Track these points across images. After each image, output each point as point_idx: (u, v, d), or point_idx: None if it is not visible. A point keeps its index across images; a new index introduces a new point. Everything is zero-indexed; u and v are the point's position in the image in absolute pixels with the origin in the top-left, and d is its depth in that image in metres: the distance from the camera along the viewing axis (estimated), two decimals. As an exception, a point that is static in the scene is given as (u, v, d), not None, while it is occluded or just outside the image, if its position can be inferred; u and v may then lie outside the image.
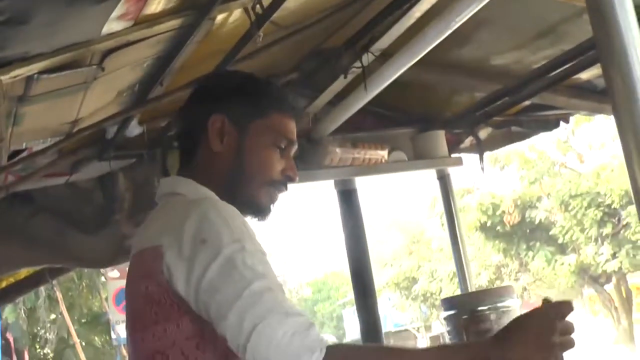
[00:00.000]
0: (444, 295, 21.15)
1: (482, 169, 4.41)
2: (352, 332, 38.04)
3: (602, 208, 22.00)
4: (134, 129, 3.47)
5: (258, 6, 2.52)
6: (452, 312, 3.54)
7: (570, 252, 23.95)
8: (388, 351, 2.03)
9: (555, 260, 24.10)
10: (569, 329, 1.86)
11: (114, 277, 15.25)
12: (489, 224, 24.81)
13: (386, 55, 3.33)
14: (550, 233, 23.82)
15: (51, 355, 17.81)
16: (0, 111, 2.28)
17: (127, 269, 2.17)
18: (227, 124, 2.14)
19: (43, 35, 2.04)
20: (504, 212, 23.57)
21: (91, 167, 3.66)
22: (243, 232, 1.95)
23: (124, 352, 16.22)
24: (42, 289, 14.70)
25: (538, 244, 24.58)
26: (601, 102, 3.99)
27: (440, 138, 4.18)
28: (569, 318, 1.87)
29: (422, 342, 34.44)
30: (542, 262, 24.22)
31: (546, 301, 1.89)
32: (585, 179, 22.63)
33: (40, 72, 2.24)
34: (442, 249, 31.15)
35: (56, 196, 3.79)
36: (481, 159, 4.41)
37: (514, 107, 4.16)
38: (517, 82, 3.89)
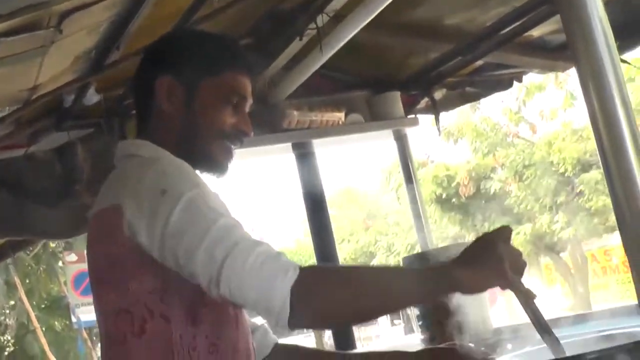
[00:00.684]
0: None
1: (438, 129, 4.47)
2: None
3: (555, 177, 22.29)
4: (92, 97, 3.46)
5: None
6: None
7: (525, 222, 24.22)
8: (360, 271, 2.10)
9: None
10: (516, 253, 1.89)
11: (72, 261, 15.18)
12: (444, 196, 25.00)
13: (340, 17, 3.34)
14: (506, 203, 24.06)
15: (12, 341, 17.73)
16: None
17: (87, 237, 2.15)
18: (175, 84, 2.14)
19: (-3, -2, 2.04)
20: (458, 184, 23.73)
21: (49, 138, 3.65)
22: (199, 181, 1.97)
23: (85, 335, 16.16)
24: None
25: (494, 214, 24.81)
26: (554, 59, 4.06)
27: (395, 99, 4.24)
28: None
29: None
30: (498, 232, 24.57)
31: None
32: (538, 148, 22.86)
33: (-2, 36, 2.24)
34: (398, 223, 31.37)
35: (15, 168, 3.77)
36: (437, 119, 4.47)
37: (467, 67, 4.22)
38: (469, 42, 3.94)
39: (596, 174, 20.95)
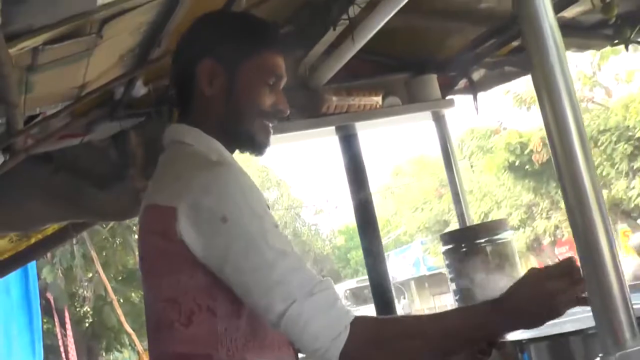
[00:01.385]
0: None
1: (476, 109, 4.59)
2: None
3: (631, 142, 21.95)
4: (140, 89, 3.68)
5: (241, -32, 2.73)
6: (450, 246, 3.75)
7: (601, 188, 24.00)
8: (410, 322, 2.15)
9: (587, 197, 24.18)
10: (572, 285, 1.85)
11: (147, 234, 15.43)
12: (517, 163, 24.85)
13: (372, 5, 3.49)
14: (580, 169, 23.87)
15: (90, 312, 18.21)
16: (12, 80, 2.47)
17: (139, 220, 2.29)
18: (215, 67, 2.24)
19: (44, 10, 2.21)
20: (532, 150, 23.53)
21: (103, 127, 3.87)
22: (260, 206, 2.06)
23: (160, 306, 16.51)
24: (76, 248, 15.05)
25: (569, 181, 24.64)
26: (588, 39, 4.15)
27: (432, 81, 4.37)
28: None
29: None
30: (574, 199, 24.28)
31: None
32: (614, 113, 22.52)
33: (45, 43, 2.41)
34: (471, 190, 31.27)
35: (73, 155, 4.00)
36: (475, 99, 4.59)
37: (503, 47, 4.32)
38: (504, 23, 4.05)
39: (675, 136, 20.63)
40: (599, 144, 22.46)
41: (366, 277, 4.53)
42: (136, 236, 14.12)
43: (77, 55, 2.75)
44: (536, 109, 22.62)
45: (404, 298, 36.53)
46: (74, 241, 13.55)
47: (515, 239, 3.87)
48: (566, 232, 27.60)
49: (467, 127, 28.13)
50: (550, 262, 2.06)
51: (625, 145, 21.87)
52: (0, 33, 2.08)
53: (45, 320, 14.13)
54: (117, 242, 17.38)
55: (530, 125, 25.21)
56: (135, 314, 17.90)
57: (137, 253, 13.79)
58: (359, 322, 1.96)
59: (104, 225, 14.83)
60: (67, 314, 15.08)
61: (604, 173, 22.85)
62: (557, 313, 1.87)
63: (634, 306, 2.35)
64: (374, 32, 3.56)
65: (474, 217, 22.90)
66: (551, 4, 1.69)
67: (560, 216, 26.28)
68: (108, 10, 2.46)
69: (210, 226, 2.01)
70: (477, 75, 4.57)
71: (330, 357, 1.92)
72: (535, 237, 28.35)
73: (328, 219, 54.50)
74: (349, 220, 44.71)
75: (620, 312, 1.55)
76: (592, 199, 1.59)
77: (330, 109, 4.11)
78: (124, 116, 3.88)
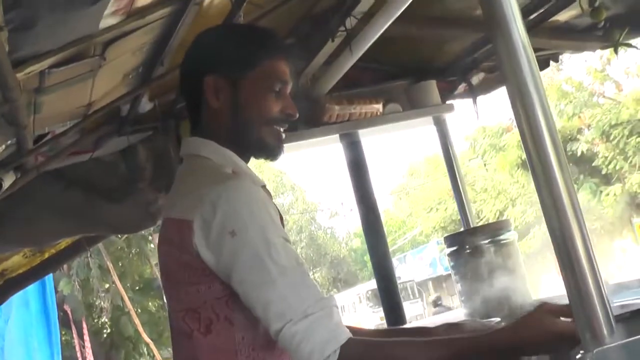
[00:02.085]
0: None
1: (476, 113, 4.66)
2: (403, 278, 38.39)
3: (644, 134, 21.93)
4: (146, 105, 3.78)
5: (237, -11, 2.82)
6: (454, 247, 3.80)
7: (615, 182, 23.88)
8: (405, 345, 2.15)
9: (601, 192, 24.04)
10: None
11: (163, 243, 15.46)
12: (530, 160, 24.83)
13: (368, 17, 3.57)
14: (594, 164, 23.75)
15: (108, 323, 18.30)
16: (21, 103, 2.56)
17: (159, 232, 2.37)
18: (219, 81, 2.28)
19: (48, 36, 2.30)
20: (545, 147, 23.45)
21: (112, 142, 3.96)
22: (268, 220, 2.11)
23: (177, 314, 16.53)
24: (92, 260, 15.16)
25: (582, 176, 24.53)
26: (583, 41, 4.22)
27: (432, 87, 4.45)
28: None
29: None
30: (587, 194, 24.16)
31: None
32: (625, 106, 22.47)
33: (51, 67, 2.51)
34: (486, 189, 31.24)
35: (84, 171, 4.10)
36: (475, 103, 4.67)
37: (500, 52, 4.39)
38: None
39: (687, 129, 20.61)
40: (611, 138, 22.43)
41: None
42: (152, 245, 14.15)
43: (83, 76, 2.85)
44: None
45: (421, 299, 36.54)
46: (89, 253, 13.65)
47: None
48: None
49: (479, 126, 28.09)
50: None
51: (638, 139, 21.82)
52: (8, 59, 2.16)
53: (63, 332, 14.21)
54: (133, 252, 17.48)
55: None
56: (153, 323, 17.96)
57: (153, 263, 13.83)
58: (349, 346, 2.01)
59: (120, 236, 14.93)
60: (84, 326, 15.17)
61: (617, 167, 22.83)
62: (558, 350, 1.92)
63: (617, 304, 2.44)
64: (371, 42, 3.64)
65: (489, 215, 22.80)
66: (523, 23, 1.78)
67: (574, 211, 26.23)
68: (110, 33, 2.56)
69: (220, 240, 2.07)
70: (476, 79, 4.64)
71: None
72: (551, 234, 28.24)
73: (343, 222, 54.44)
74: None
75: (598, 310, 1.62)
76: (567, 200, 1.67)
77: (333, 117, 4.20)
78: (131, 131, 3.97)
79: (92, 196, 4.20)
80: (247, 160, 2.37)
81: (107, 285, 16.61)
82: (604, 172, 23.62)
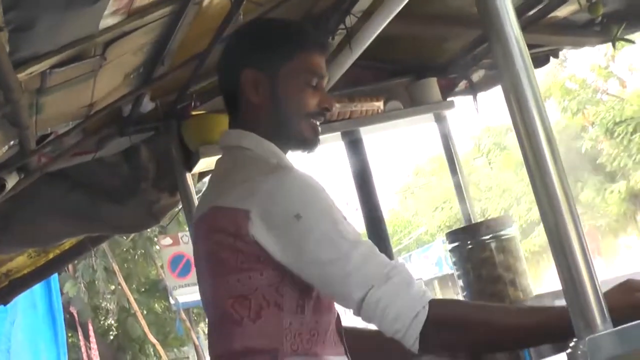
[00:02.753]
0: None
1: (477, 109, 4.68)
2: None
3: (648, 132, 21.92)
4: (147, 105, 3.80)
5: (236, -12, 2.84)
6: (456, 244, 3.83)
7: (619, 179, 23.89)
8: (493, 308, 2.29)
9: (605, 189, 24.08)
10: None
11: (168, 245, 15.51)
12: (535, 158, 24.80)
13: (368, 14, 3.59)
14: (598, 162, 23.77)
15: (115, 325, 18.36)
16: (22, 104, 2.57)
17: (200, 219, 2.37)
18: (257, 75, 2.35)
19: (48, 36, 2.31)
20: (549, 144, 23.41)
21: (114, 143, 3.98)
22: (328, 201, 2.19)
23: (183, 316, 16.61)
24: (98, 262, 15.20)
25: (586, 174, 24.56)
26: (583, 36, 4.23)
27: (432, 84, 4.46)
28: None
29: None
30: (591, 191, 24.21)
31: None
32: (629, 103, 22.49)
33: (52, 67, 2.51)
34: (491, 188, 31.27)
35: (87, 171, 4.12)
36: (475, 100, 4.69)
37: (501, 48, 4.40)
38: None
39: (691, 125, 20.60)
40: (615, 135, 22.45)
41: None
42: (157, 247, 14.17)
43: (84, 77, 2.86)
44: (552, 102, 22.60)
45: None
46: (94, 255, 13.70)
47: (519, 235, 3.94)
48: (587, 224, 27.55)
49: (484, 125, 28.14)
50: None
51: (642, 136, 21.84)
52: (9, 60, 2.19)
53: (69, 334, 14.27)
54: (139, 253, 17.52)
55: (545, 119, 25.16)
56: (159, 325, 18.03)
57: (159, 264, 13.87)
58: (436, 304, 2.08)
59: (125, 237, 14.98)
60: (91, 327, 15.22)
61: (622, 164, 22.85)
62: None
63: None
64: (371, 40, 3.66)
65: (494, 213, 22.94)
66: (518, 22, 1.80)
67: (580, 209, 26.20)
68: (110, 33, 2.58)
69: (285, 226, 2.14)
70: (476, 76, 4.66)
71: (410, 337, 2.04)
72: (555, 231, 28.26)
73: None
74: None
75: (591, 298, 1.65)
76: (561, 196, 1.69)
77: (334, 115, 4.22)
78: (134, 131, 3.98)
79: (95, 196, 4.23)
80: (285, 152, 2.43)
81: (112, 287, 16.68)
82: (608, 169, 23.63)
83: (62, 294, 12.84)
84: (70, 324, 14.72)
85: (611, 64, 23.03)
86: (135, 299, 16.04)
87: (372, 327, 2.16)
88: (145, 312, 17.51)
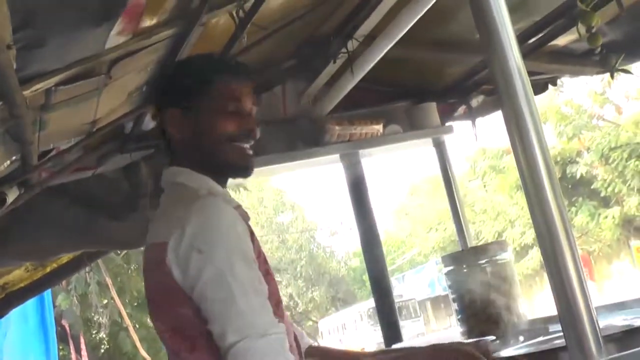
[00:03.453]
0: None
1: (475, 135, 4.72)
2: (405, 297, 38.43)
3: (643, 158, 21.96)
4: (149, 123, 3.82)
5: (241, 11, 2.88)
6: (451, 267, 3.85)
7: (613, 205, 23.91)
8: None
9: (599, 214, 24.09)
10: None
11: (161, 260, 15.43)
12: (529, 182, 24.79)
13: (369, 39, 3.65)
14: (592, 187, 23.80)
15: (106, 338, 18.28)
16: (26, 121, 2.60)
17: (143, 256, 2.48)
18: (178, 113, 2.44)
19: (56, 55, 2.34)
20: (544, 169, 23.41)
21: (115, 159, 4.00)
22: (235, 240, 2.22)
23: (176, 331, 16.49)
24: (91, 275, 15.16)
25: (581, 199, 24.58)
26: (582, 65, 4.29)
27: (432, 109, 4.52)
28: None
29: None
30: (586, 216, 24.22)
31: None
32: (624, 129, 22.53)
33: (57, 85, 2.54)
34: (485, 210, 31.27)
35: (87, 187, 4.14)
36: (473, 125, 4.73)
37: (502, 74, 4.44)
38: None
39: (685, 153, 20.65)
40: (610, 161, 22.49)
41: None
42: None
43: (88, 94, 2.89)
44: (548, 126, 22.63)
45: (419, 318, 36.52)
46: (88, 268, 13.67)
47: (514, 259, 3.96)
48: (580, 249, 27.54)
49: (479, 148, 28.16)
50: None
51: (637, 162, 21.90)
52: (15, 77, 2.21)
53: (61, 347, 14.20)
54: (132, 268, 17.46)
55: (541, 144, 25.18)
56: (151, 339, 17.90)
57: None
58: None
59: (119, 252, 14.94)
60: (82, 340, 15.15)
61: (616, 190, 22.88)
62: None
63: (611, 323, 2.49)
64: (373, 64, 3.71)
65: (488, 236, 22.88)
66: (519, 48, 1.83)
67: (574, 234, 26.25)
68: (116, 52, 2.61)
69: (187, 257, 2.18)
70: (475, 102, 4.71)
71: None
72: (549, 256, 28.26)
73: (343, 241, 54.50)
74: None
75: (587, 328, 1.68)
76: (559, 223, 1.73)
77: (334, 137, 4.26)
78: (134, 149, 4.01)
79: (94, 212, 4.25)
80: (223, 182, 2.49)
81: (105, 301, 16.61)
82: (602, 194, 23.67)
83: (54, 306, 12.80)
84: (62, 337, 14.64)
85: (607, 90, 23.10)
86: (127, 313, 15.94)
87: (340, 347, 2.22)
88: (137, 326, 17.43)
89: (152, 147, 4.08)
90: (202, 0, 2.62)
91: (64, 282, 14.92)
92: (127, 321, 15.39)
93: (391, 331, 4.39)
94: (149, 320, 18.96)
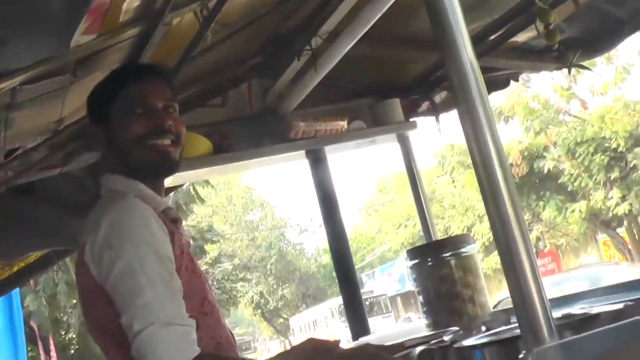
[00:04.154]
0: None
1: (439, 130, 4.78)
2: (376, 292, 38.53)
3: (608, 153, 22.11)
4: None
5: (205, 10, 2.91)
6: (416, 260, 3.88)
7: (580, 199, 24.07)
8: None
9: (566, 208, 24.24)
10: None
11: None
12: (497, 177, 24.91)
13: (333, 36, 3.67)
14: (559, 181, 23.93)
15: (76, 339, 18.22)
16: (-9, 119, 2.64)
17: None
18: (94, 128, 2.57)
19: (20, 54, 2.37)
20: (511, 164, 23.59)
21: (81, 158, 4.01)
22: (148, 236, 2.30)
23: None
24: (60, 276, 15.10)
25: (548, 193, 24.72)
26: (541, 61, 4.34)
27: (395, 105, 4.56)
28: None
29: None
30: (553, 211, 24.36)
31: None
32: (590, 124, 22.68)
33: (22, 84, 2.58)
34: (454, 206, 31.38)
35: (54, 185, 4.16)
36: (437, 120, 4.78)
37: (462, 71, 4.49)
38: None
39: (649, 147, 20.87)
40: (576, 155, 22.64)
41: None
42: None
43: (54, 93, 2.92)
44: (514, 123, 22.77)
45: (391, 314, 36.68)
46: (56, 268, 13.61)
47: (483, 254, 4.01)
48: (548, 243, 27.78)
49: (447, 143, 28.27)
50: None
51: (602, 156, 22.06)
52: (-21, 77, 2.23)
53: (29, 349, 14.13)
54: (101, 267, 17.37)
55: (508, 138, 25.36)
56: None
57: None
58: (206, 357, 2.22)
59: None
60: (51, 341, 15.11)
61: (582, 184, 23.04)
62: None
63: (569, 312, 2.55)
64: (336, 61, 3.74)
65: (458, 231, 22.97)
66: (473, 49, 1.89)
67: (542, 228, 26.43)
68: (81, 51, 2.63)
69: (101, 253, 2.26)
70: (438, 97, 4.75)
71: None
72: (517, 250, 28.44)
73: (312, 238, 54.58)
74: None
75: (539, 313, 1.74)
76: (513, 217, 1.78)
77: (299, 134, 4.30)
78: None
79: (61, 211, 4.26)
80: (155, 185, 2.57)
81: (74, 301, 16.55)
82: (569, 189, 23.82)
83: (22, 307, 12.74)
84: (31, 338, 14.59)
85: (573, 86, 23.25)
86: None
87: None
88: (106, 326, 17.33)
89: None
90: (165, 0, 2.65)
91: (32, 283, 14.84)
92: (96, 321, 15.32)
93: (359, 326, 4.42)
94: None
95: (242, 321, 68.77)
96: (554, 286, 12.42)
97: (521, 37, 4.11)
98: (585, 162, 22.48)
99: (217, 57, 3.82)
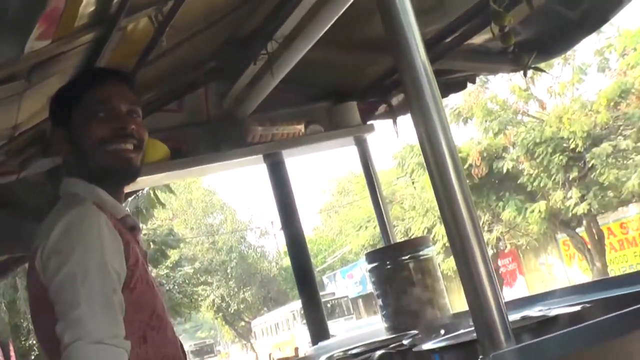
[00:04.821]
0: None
1: (397, 133, 4.80)
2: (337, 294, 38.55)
3: (566, 153, 22.23)
4: (71, 127, 3.83)
5: (160, 15, 2.91)
6: (375, 264, 3.89)
7: (539, 199, 24.17)
8: None
9: (526, 209, 24.31)
10: None
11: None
12: (457, 178, 24.99)
13: (289, 40, 3.68)
14: (519, 182, 24.01)
15: (37, 345, 18.06)
16: (-56, 126, 2.62)
17: None
18: (57, 132, 2.55)
19: (-29, 60, 2.39)
20: (470, 165, 23.66)
21: (38, 163, 3.98)
22: (97, 246, 2.25)
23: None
24: (19, 281, 14.96)
25: (507, 193, 24.79)
26: (497, 63, 4.37)
27: (352, 108, 4.59)
28: None
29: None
30: (513, 211, 24.42)
31: None
32: (548, 125, 22.79)
33: (-25, 90, 2.60)
34: (414, 207, 31.44)
35: (10, 191, 4.12)
36: (395, 123, 4.81)
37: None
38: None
39: (607, 147, 20.98)
40: (535, 155, 22.74)
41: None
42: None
43: (8, 99, 2.89)
44: (473, 124, 22.89)
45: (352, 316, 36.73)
46: (17, 274, 13.48)
47: (443, 255, 4.02)
48: (508, 244, 27.90)
49: (406, 144, 28.34)
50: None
51: (561, 157, 22.17)
52: None
53: (-11, 355, 13.99)
54: (61, 273, 17.26)
55: (467, 139, 25.46)
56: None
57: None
58: None
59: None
60: (12, 348, 14.96)
61: (542, 184, 23.15)
62: None
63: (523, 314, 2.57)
64: (292, 65, 3.75)
65: (418, 233, 22.92)
66: (426, 53, 1.91)
67: (502, 228, 26.54)
68: (35, 57, 2.62)
69: (48, 258, 2.23)
70: (395, 100, 4.78)
71: None
72: (477, 250, 28.56)
73: (273, 241, 54.52)
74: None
75: (496, 318, 1.75)
76: (468, 221, 1.80)
77: (256, 138, 4.30)
78: (57, 152, 4.00)
79: (19, 216, 4.22)
80: (115, 191, 2.55)
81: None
82: (529, 189, 23.93)
83: (-19, 314, 12.63)
84: (-10, 345, 14.45)
85: (531, 87, 23.40)
86: (56, 319, 15.77)
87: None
88: (66, 332, 17.23)
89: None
90: (120, 5, 2.64)
91: (-10, 290, 14.72)
92: (56, 327, 15.23)
93: (318, 329, 4.43)
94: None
95: (203, 325, 68.53)
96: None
97: (477, 40, 4.13)
98: (544, 162, 22.57)
99: (173, 62, 3.81)
